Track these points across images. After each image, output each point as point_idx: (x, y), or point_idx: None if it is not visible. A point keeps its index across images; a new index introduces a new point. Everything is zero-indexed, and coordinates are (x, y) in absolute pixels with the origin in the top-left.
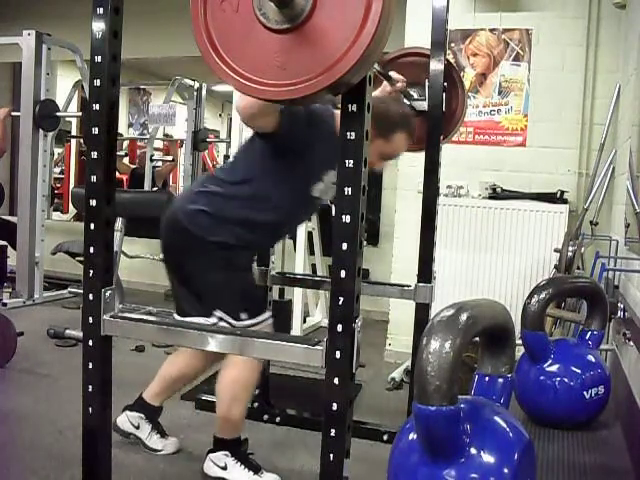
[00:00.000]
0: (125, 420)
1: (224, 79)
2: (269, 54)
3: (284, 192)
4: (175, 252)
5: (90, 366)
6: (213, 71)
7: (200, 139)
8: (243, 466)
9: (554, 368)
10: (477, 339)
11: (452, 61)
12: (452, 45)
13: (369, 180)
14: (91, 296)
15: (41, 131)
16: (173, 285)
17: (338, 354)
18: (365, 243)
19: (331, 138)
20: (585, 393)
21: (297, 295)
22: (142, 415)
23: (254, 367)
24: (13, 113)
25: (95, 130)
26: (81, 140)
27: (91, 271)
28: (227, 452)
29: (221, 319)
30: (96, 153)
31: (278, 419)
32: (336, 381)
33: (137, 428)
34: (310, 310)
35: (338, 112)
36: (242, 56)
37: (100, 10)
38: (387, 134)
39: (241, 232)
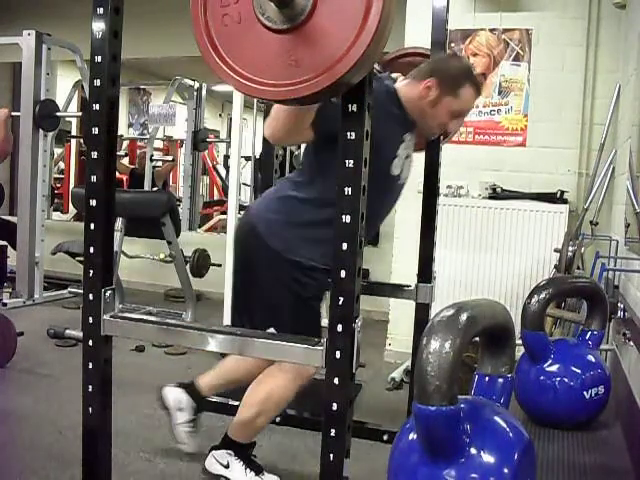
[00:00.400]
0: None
1: (224, 79)
2: (269, 54)
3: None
4: (247, 263)
5: (90, 366)
6: (213, 71)
7: (200, 139)
8: (245, 466)
9: (554, 368)
10: (477, 339)
11: None
12: (452, 45)
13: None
14: (91, 296)
15: (41, 131)
16: (238, 295)
17: (338, 354)
18: (365, 243)
19: (391, 110)
20: (585, 393)
21: None
22: (230, 452)
23: (292, 384)
24: (13, 113)
25: (95, 130)
26: (81, 140)
27: (91, 271)
28: (231, 451)
29: None
30: (96, 153)
31: (278, 419)
32: (336, 381)
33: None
34: None
35: (398, 83)
36: (242, 56)
37: (100, 10)
38: (454, 90)
39: (325, 248)
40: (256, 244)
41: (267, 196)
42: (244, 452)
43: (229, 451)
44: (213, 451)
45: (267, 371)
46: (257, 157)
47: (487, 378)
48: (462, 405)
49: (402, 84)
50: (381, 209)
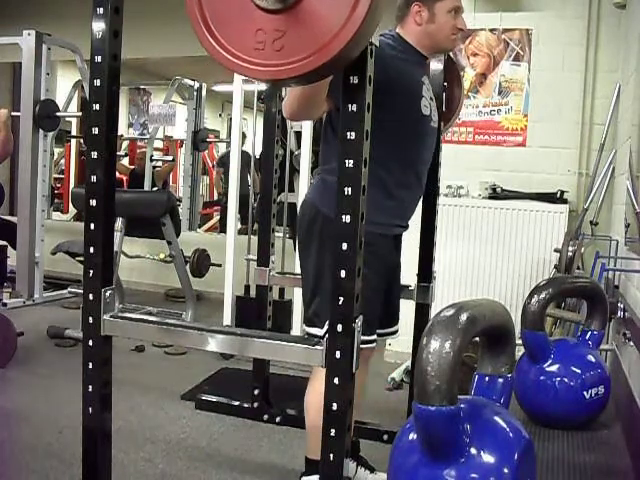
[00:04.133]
0: None
1: (219, 60)
2: (261, 34)
3: (395, 123)
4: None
5: (90, 366)
6: (207, 51)
7: (200, 139)
8: None
9: (554, 368)
10: (477, 339)
11: None
12: None
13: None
14: (91, 296)
15: (41, 131)
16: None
17: (338, 354)
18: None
19: (404, 56)
20: (585, 393)
21: (297, 295)
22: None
23: None
24: (13, 113)
25: (95, 130)
26: (81, 140)
27: (91, 271)
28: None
29: None
30: (96, 153)
31: (278, 419)
32: (336, 381)
33: None
34: None
35: (397, 30)
36: (234, 34)
37: (100, 10)
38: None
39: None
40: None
41: (312, 188)
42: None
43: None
44: (302, 477)
45: (313, 375)
46: (257, 157)
47: (487, 378)
48: (462, 405)
49: (398, 29)
50: (423, 154)
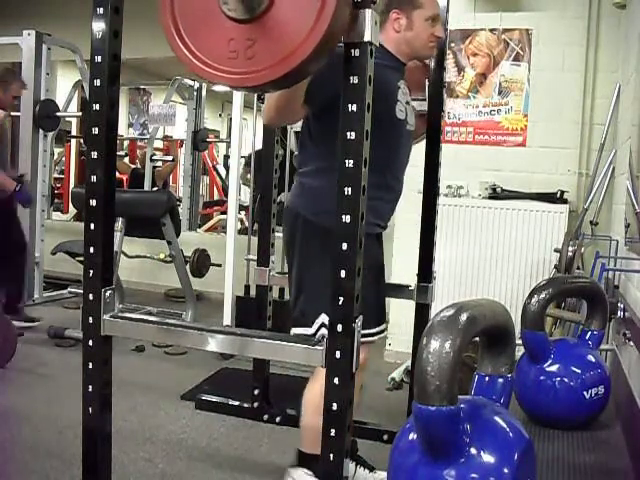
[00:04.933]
0: None
1: (193, 70)
2: (229, 42)
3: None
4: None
5: (90, 366)
6: (181, 61)
7: (200, 139)
8: None
9: (554, 368)
10: (477, 339)
11: (452, 61)
12: (452, 45)
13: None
14: (91, 296)
15: (41, 131)
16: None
17: (338, 354)
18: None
19: (380, 62)
20: (585, 393)
21: None
22: (310, 472)
23: None
24: (13, 113)
25: (95, 130)
26: (81, 140)
27: (91, 271)
28: (309, 470)
29: (323, 326)
30: (96, 153)
31: (278, 419)
32: (336, 381)
33: None
34: None
35: (381, 34)
36: (204, 42)
37: (100, 10)
38: (414, 2)
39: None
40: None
41: (291, 192)
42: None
43: (307, 470)
44: (290, 469)
45: (314, 374)
46: (256, 157)
47: (487, 378)
48: (462, 405)
49: (380, 35)
50: (399, 156)
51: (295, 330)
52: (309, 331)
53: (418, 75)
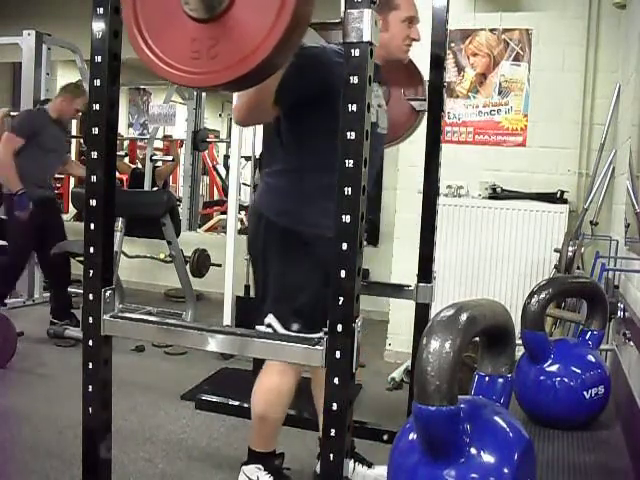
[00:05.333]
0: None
1: (157, 72)
2: (190, 42)
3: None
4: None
5: (90, 366)
6: (145, 63)
7: (200, 139)
8: None
9: (554, 368)
10: (477, 339)
11: (452, 61)
12: (452, 45)
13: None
14: (91, 296)
15: None
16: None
17: (338, 354)
18: (365, 243)
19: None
20: (585, 393)
21: None
22: (260, 466)
23: (288, 372)
24: (13, 113)
25: (95, 130)
26: (81, 140)
27: (91, 271)
28: (260, 465)
29: (269, 326)
30: (96, 153)
31: None
32: (336, 381)
33: None
34: None
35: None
36: (172, 47)
37: (100, 10)
38: (390, 3)
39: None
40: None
41: (257, 192)
42: (272, 464)
43: (258, 465)
44: (243, 466)
45: (262, 370)
46: (257, 157)
47: (487, 378)
48: (462, 405)
49: None
50: (370, 159)
51: (260, 328)
52: (260, 329)
53: (401, 74)
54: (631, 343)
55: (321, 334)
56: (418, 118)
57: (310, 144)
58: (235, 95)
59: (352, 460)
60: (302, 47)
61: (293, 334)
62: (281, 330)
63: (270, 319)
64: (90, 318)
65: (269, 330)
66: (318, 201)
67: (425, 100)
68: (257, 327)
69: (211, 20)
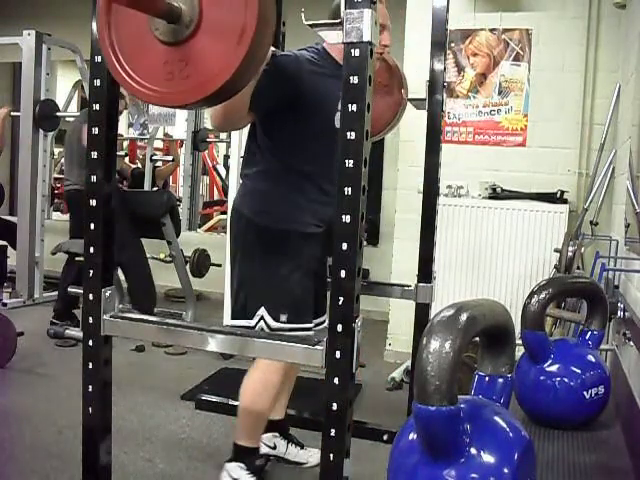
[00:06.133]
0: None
1: (134, 94)
2: (159, 63)
3: (308, 140)
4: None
5: (90, 366)
6: (123, 86)
7: (200, 139)
8: None
9: (554, 368)
10: (477, 339)
11: (452, 61)
12: (452, 45)
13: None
14: (91, 296)
15: (41, 131)
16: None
17: (338, 354)
18: (365, 243)
19: (324, 71)
20: (585, 393)
21: None
22: (242, 465)
23: (277, 369)
24: (13, 113)
25: (95, 130)
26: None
27: (91, 271)
28: (242, 464)
29: (262, 319)
30: (96, 153)
31: None
32: (336, 381)
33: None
34: None
35: (324, 44)
36: (146, 69)
37: None
38: None
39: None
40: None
41: (237, 193)
42: (254, 463)
43: (241, 464)
44: (226, 463)
45: (252, 367)
46: None
47: (487, 378)
48: (462, 405)
49: (325, 44)
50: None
51: (235, 322)
52: (251, 323)
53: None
54: (631, 343)
55: (311, 325)
56: (397, 114)
57: (284, 148)
58: None
59: (286, 441)
60: (275, 56)
61: (287, 326)
62: (271, 322)
63: (262, 312)
64: (90, 318)
65: (260, 323)
66: (293, 200)
67: (425, 100)
68: (239, 322)
69: (179, 43)
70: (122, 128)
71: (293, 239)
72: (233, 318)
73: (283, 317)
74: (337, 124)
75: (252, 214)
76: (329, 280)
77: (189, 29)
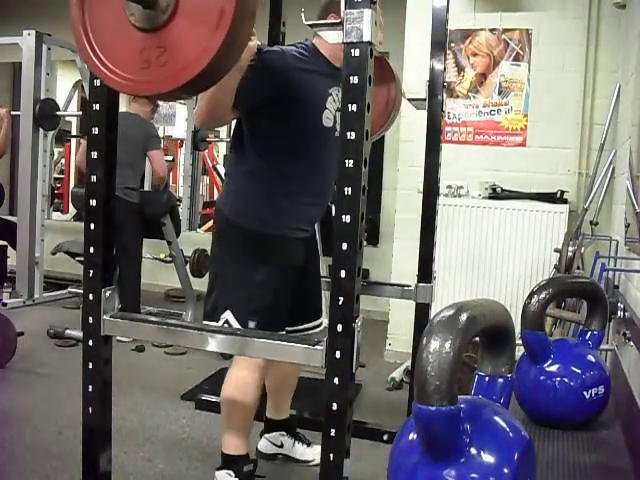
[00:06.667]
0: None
1: (111, 84)
2: (135, 51)
3: (295, 139)
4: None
5: (90, 366)
6: (98, 76)
7: (200, 139)
8: None
9: (554, 368)
10: (477, 339)
11: (452, 61)
12: (452, 45)
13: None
14: (91, 296)
15: (41, 131)
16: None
17: (338, 354)
18: (365, 243)
19: (312, 68)
20: (585, 393)
21: None
22: (231, 472)
23: (255, 366)
24: (13, 113)
25: (95, 130)
26: (81, 140)
27: (91, 271)
28: (231, 472)
29: (227, 323)
30: (96, 153)
31: None
32: (336, 381)
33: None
34: None
35: (315, 40)
36: (121, 59)
37: None
38: None
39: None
40: (227, 227)
41: (221, 193)
42: (242, 470)
43: (229, 472)
44: (216, 471)
45: (230, 366)
46: None
47: (487, 378)
48: (462, 405)
49: (314, 40)
50: (325, 163)
51: (205, 322)
52: (218, 323)
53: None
54: (631, 343)
55: (305, 325)
56: (391, 115)
57: (269, 147)
58: (199, 97)
59: (293, 439)
60: (261, 51)
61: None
62: (238, 327)
63: (227, 315)
64: (90, 318)
65: (225, 327)
66: (278, 203)
67: (425, 100)
68: (206, 322)
69: (156, 29)
70: None
71: (274, 244)
72: (203, 318)
73: (252, 323)
74: (325, 122)
75: (233, 215)
76: (329, 280)
77: (166, 14)
